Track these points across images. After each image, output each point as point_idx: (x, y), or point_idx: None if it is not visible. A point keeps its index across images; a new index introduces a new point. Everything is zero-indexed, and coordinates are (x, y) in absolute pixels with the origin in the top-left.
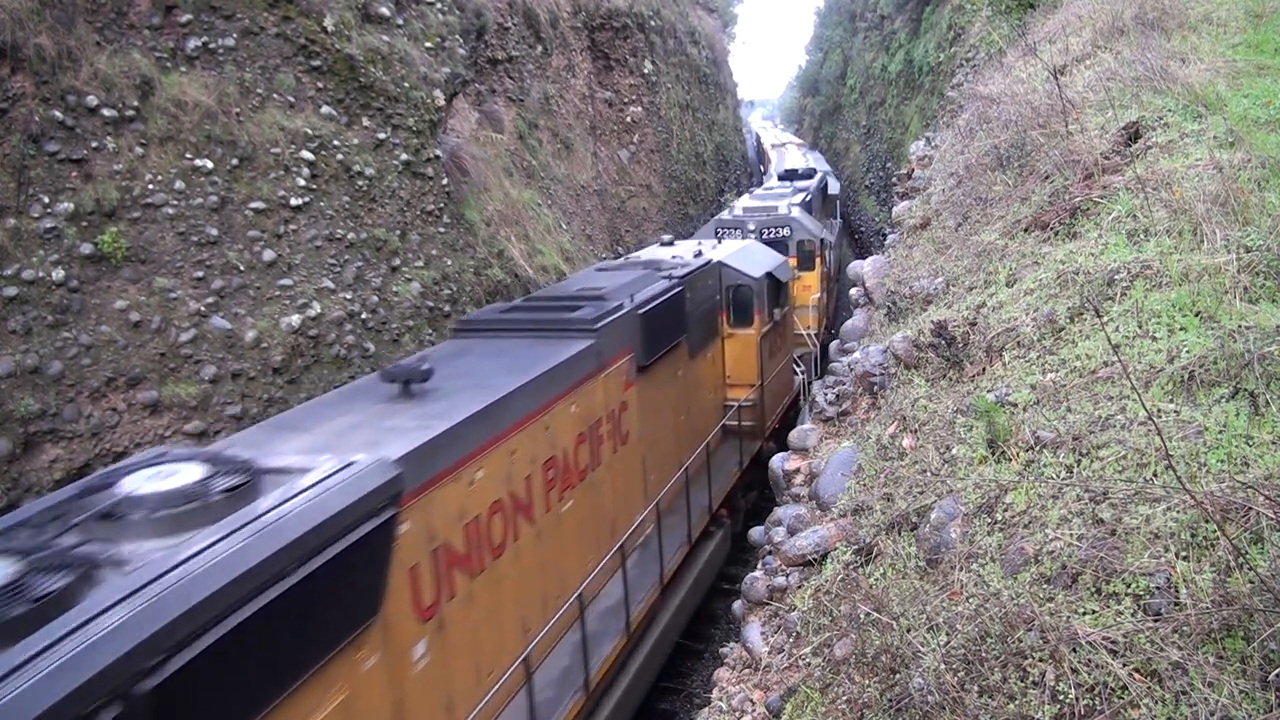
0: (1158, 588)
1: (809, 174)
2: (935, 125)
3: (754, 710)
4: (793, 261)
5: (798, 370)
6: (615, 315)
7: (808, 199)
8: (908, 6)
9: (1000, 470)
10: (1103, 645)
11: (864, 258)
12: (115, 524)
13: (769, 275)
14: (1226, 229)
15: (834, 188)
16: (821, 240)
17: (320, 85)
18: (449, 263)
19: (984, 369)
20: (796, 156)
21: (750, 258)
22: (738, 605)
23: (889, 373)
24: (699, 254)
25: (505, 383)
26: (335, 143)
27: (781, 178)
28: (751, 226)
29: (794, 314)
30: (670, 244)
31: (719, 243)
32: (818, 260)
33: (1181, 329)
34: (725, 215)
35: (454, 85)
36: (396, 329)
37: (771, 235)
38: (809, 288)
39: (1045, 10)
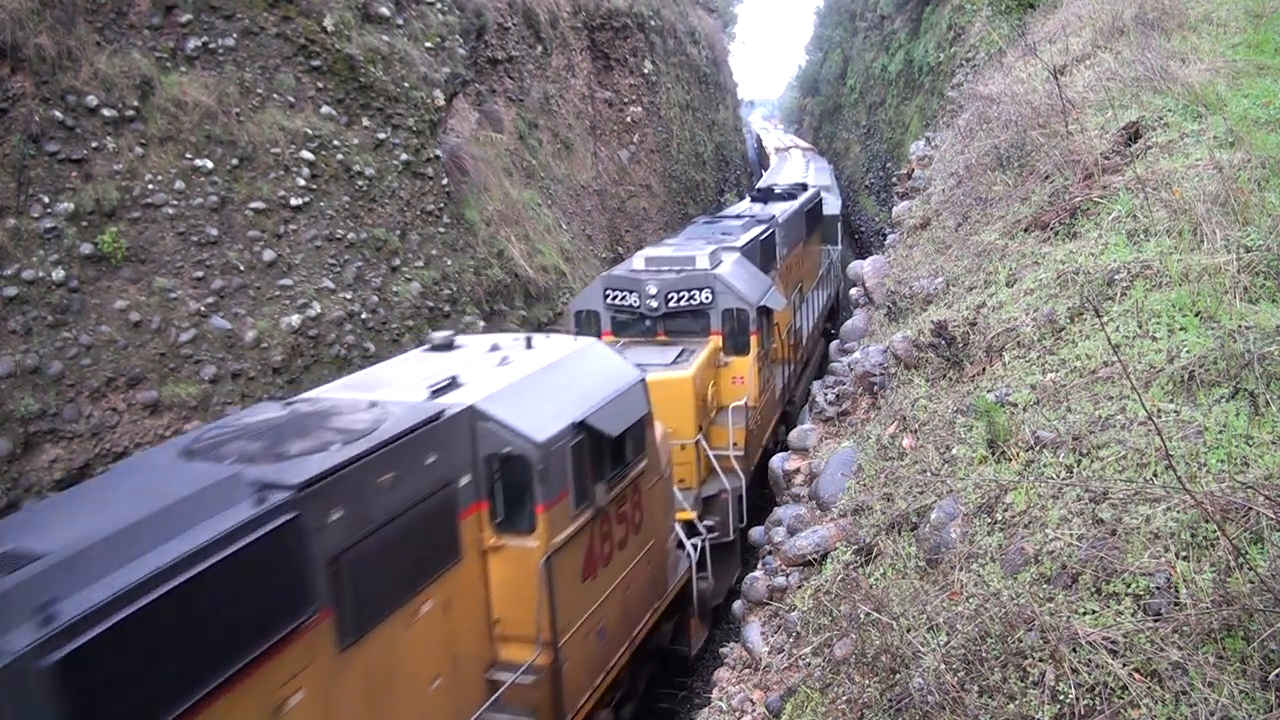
0: (1158, 588)
1: (792, 192)
2: (935, 125)
3: (754, 710)
4: (715, 341)
5: (688, 544)
6: None
7: (765, 235)
8: (908, 6)
9: (1000, 470)
10: (1103, 645)
11: (864, 258)
12: None
13: (580, 429)
14: (1226, 229)
15: (833, 206)
16: (763, 308)
17: (320, 85)
18: (449, 263)
19: (984, 369)
20: (798, 165)
21: (553, 390)
22: (738, 605)
23: (889, 373)
24: (440, 389)
25: None
26: (335, 143)
27: (755, 197)
28: (652, 290)
29: (702, 437)
30: (445, 348)
31: (534, 344)
32: (753, 338)
33: (1181, 329)
34: (619, 271)
35: (454, 85)
36: (396, 329)
37: (683, 302)
38: (739, 380)
39: (1045, 10)
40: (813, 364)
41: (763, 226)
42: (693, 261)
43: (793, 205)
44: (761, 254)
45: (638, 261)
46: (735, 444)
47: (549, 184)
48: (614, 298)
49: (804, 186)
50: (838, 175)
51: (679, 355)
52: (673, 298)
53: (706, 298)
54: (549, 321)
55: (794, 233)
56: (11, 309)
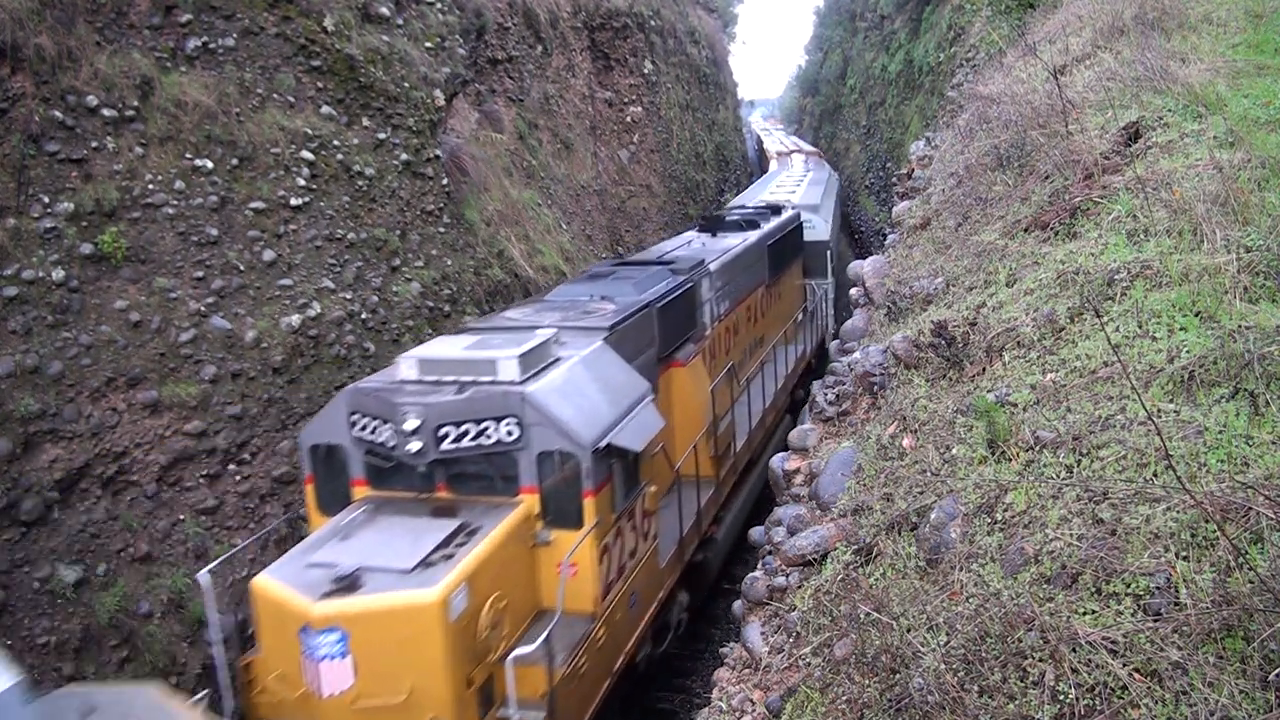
0: (1158, 588)
1: (754, 219)
2: (935, 125)
3: (754, 710)
4: (529, 504)
5: None
6: None
7: (673, 297)
8: (908, 6)
9: (1000, 470)
10: (1103, 645)
11: (864, 258)
12: None
13: None
14: (1226, 229)
15: (820, 229)
16: (610, 450)
17: (320, 85)
18: (449, 263)
19: (984, 369)
20: (792, 177)
21: None
22: (738, 605)
23: (889, 373)
24: None
25: None
26: (335, 143)
27: (704, 227)
28: (412, 422)
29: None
30: None
31: None
32: (590, 501)
33: (1181, 329)
34: (373, 381)
35: (454, 85)
36: (396, 329)
37: (466, 442)
38: (567, 570)
39: (1045, 10)
40: (767, 455)
41: (679, 280)
42: (492, 367)
43: (747, 240)
44: (662, 328)
45: (407, 366)
46: (538, 694)
47: (549, 184)
48: (363, 426)
49: (775, 210)
50: (841, 185)
51: (444, 543)
52: (448, 435)
53: (509, 434)
54: None
55: (744, 278)
56: (11, 309)
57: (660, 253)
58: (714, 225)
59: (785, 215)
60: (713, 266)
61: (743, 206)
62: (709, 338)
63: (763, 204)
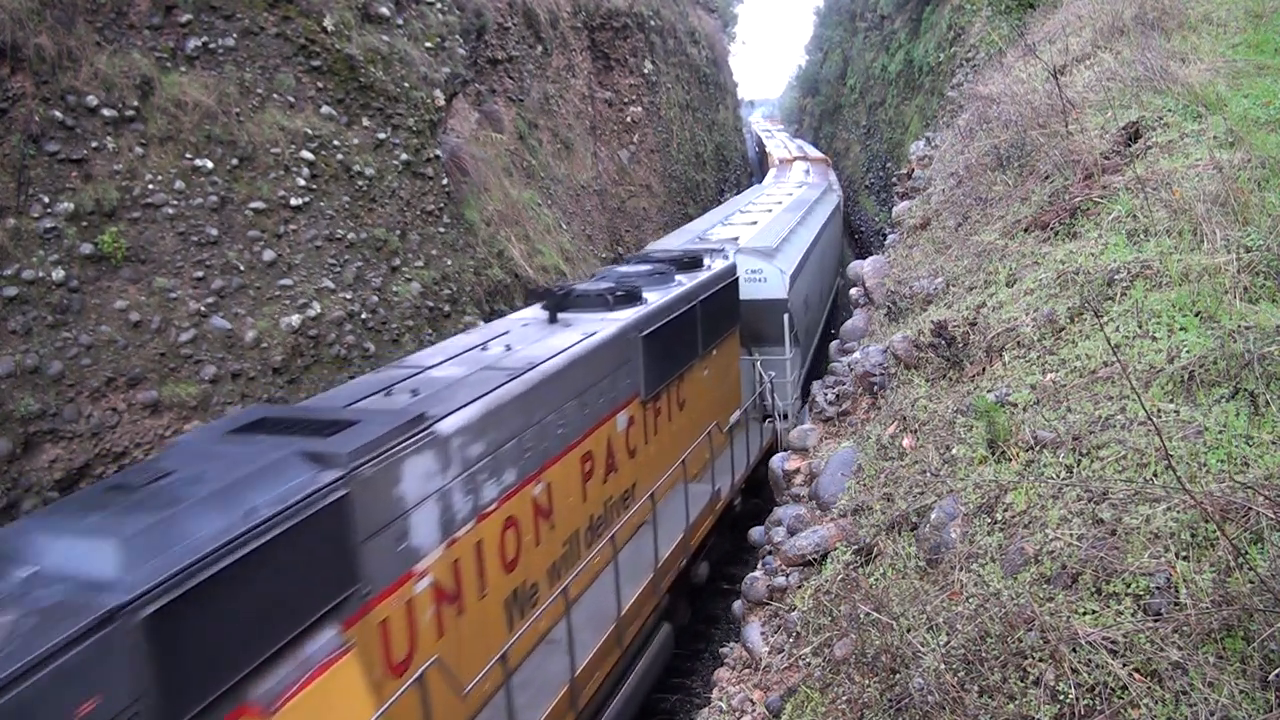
0: (1158, 588)
1: (633, 292)
2: (935, 125)
3: (754, 710)
4: None
5: None
6: None
7: (203, 578)
8: (908, 6)
9: (1000, 470)
10: (1103, 645)
11: (864, 258)
12: None
13: None
14: (1226, 229)
15: (771, 284)
16: None
17: (320, 85)
18: (449, 263)
19: (984, 369)
20: (779, 193)
21: None
22: (738, 605)
23: (889, 373)
24: None
25: None
26: (335, 143)
27: (550, 303)
28: None
29: None
30: None
31: None
32: None
33: (1181, 329)
34: None
35: (454, 85)
36: (396, 329)
37: None
38: None
39: (1045, 10)
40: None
41: (307, 492)
42: None
43: (601, 334)
44: (162, 667)
45: None
46: None
47: (549, 184)
48: None
49: (691, 264)
50: (843, 200)
51: None
52: None
53: None
54: None
55: (577, 409)
56: (11, 309)
57: (394, 378)
58: (560, 304)
59: (708, 272)
60: (454, 423)
61: (645, 258)
62: (426, 574)
63: (670, 255)
